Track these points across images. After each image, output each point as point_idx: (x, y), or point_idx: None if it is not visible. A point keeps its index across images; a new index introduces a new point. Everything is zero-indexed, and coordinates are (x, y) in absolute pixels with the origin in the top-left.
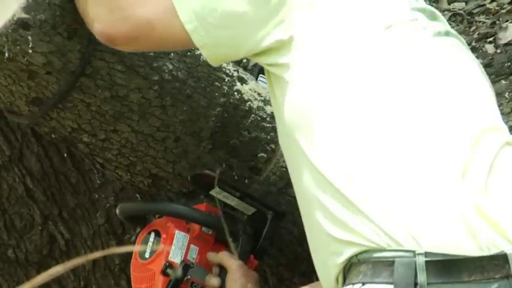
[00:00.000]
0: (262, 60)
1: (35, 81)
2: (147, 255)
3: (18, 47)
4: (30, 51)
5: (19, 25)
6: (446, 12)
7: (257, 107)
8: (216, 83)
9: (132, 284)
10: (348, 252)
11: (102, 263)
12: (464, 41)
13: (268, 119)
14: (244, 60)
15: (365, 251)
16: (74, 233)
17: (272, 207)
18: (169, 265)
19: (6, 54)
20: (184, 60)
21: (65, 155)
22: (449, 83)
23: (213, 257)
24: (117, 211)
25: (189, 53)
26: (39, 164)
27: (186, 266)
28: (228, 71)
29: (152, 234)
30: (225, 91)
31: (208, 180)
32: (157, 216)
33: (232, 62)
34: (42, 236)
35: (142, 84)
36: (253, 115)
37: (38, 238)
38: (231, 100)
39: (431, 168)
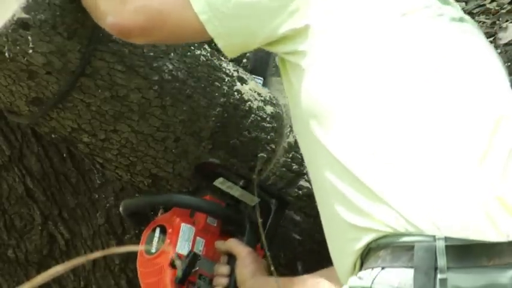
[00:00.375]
0: (278, 49)
1: (35, 81)
2: (153, 250)
3: (18, 47)
4: (30, 51)
5: (19, 25)
6: None
7: (257, 107)
8: (216, 83)
9: (141, 280)
10: (366, 239)
11: (102, 263)
12: (478, 27)
13: (268, 119)
14: (244, 60)
15: (384, 237)
16: (74, 233)
17: (276, 194)
18: (177, 257)
19: (6, 54)
20: (184, 60)
21: (65, 155)
22: (467, 69)
23: (221, 245)
24: (120, 208)
25: (189, 53)
26: (39, 164)
27: (194, 256)
28: (228, 71)
29: (157, 230)
30: (225, 91)
31: (212, 170)
32: (160, 212)
33: (232, 62)
34: (42, 236)
35: (142, 84)
36: (253, 115)
37: (38, 238)
38: (231, 100)
39: (450, 154)
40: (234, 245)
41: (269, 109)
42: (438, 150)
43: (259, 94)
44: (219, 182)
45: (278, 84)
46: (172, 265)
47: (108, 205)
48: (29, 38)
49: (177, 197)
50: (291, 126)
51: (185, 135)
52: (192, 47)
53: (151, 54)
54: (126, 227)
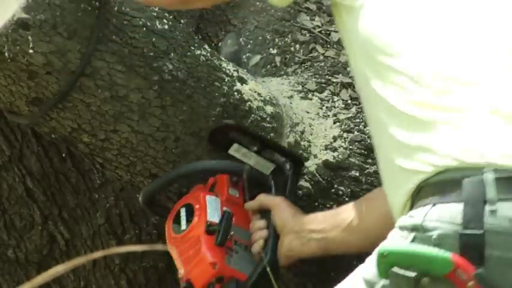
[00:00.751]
0: None
1: (35, 81)
2: (184, 227)
3: (18, 47)
4: (30, 51)
5: (19, 25)
6: None
7: (257, 107)
8: (216, 83)
9: (179, 259)
10: (416, 179)
11: (102, 263)
12: None
13: (268, 119)
14: (244, 60)
15: (433, 176)
16: (74, 233)
17: (291, 153)
18: (210, 224)
19: (6, 54)
20: (184, 60)
21: (65, 155)
22: None
23: (252, 203)
24: (140, 198)
25: (189, 53)
26: (39, 164)
27: (229, 214)
28: (228, 71)
29: (182, 210)
30: (225, 91)
31: (226, 133)
32: (177, 201)
33: (232, 62)
34: (42, 236)
35: (142, 84)
36: (253, 115)
37: (38, 238)
38: (231, 100)
39: (501, 94)
40: (265, 198)
41: (269, 109)
42: (488, 88)
43: (259, 94)
44: (234, 150)
45: (278, 84)
46: (208, 231)
47: (108, 205)
48: (29, 38)
49: (199, 164)
50: (291, 126)
51: (185, 135)
52: (192, 47)
53: (151, 54)
54: (126, 227)
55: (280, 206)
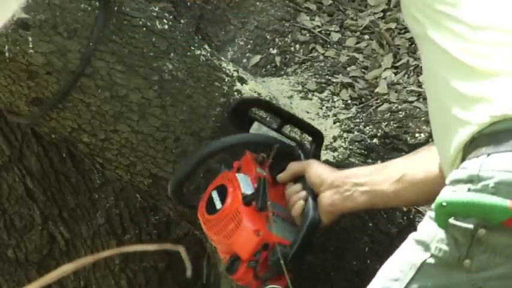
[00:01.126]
0: None
1: (35, 81)
2: (219, 206)
3: (18, 47)
4: (30, 51)
5: (19, 25)
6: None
7: None
8: (216, 83)
9: (218, 238)
10: (471, 130)
11: (102, 263)
12: None
13: (267, 118)
14: (244, 60)
15: (489, 125)
16: (74, 233)
17: (311, 128)
18: (246, 195)
19: (6, 54)
20: (184, 60)
21: (65, 155)
22: None
23: (284, 174)
24: (169, 190)
25: (189, 53)
26: (39, 164)
27: (264, 180)
28: (228, 71)
29: (214, 192)
30: (225, 91)
31: (246, 114)
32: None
33: (232, 61)
34: (42, 236)
35: (142, 84)
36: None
37: (38, 238)
38: (231, 100)
39: None
40: (296, 164)
41: None
42: None
43: (259, 94)
44: (255, 129)
45: (278, 84)
46: (246, 202)
47: (108, 205)
48: (29, 38)
49: (227, 140)
50: (291, 126)
51: (185, 135)
52: (192, 47)
53: (151, 54)
54: (126, 227)
55: (313, 164)
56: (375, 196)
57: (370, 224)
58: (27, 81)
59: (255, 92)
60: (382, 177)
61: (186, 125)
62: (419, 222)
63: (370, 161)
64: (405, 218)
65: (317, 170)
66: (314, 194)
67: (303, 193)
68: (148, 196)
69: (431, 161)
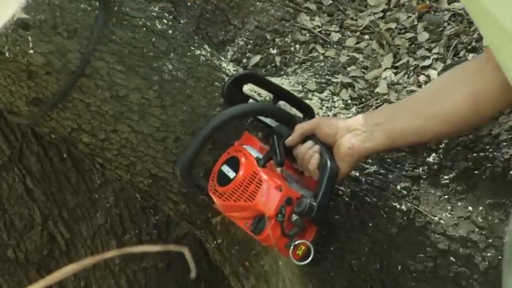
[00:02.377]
0: None
1: (35, 81)
2: (232, 175)
3: (18, 47)
4: (30, 51)
5: (19, 25)
6: (446, 12)
7: None
8: (216, 83)
9: (240, 204)
10: None
11: (102, 263)
12: None
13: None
14: (244, 60)
15: None
16: (74, 233)
17: (303, 103)
18: (260, 158)
19: (6, 55)
20: (184, 60)
21: (65, 155)
22: None
23: (292, 136)
24: (178, 173)
25: (188, 53)
26: (39, 164)
27: (277, 135)
28: (228, 71)
29: (224, 166)
30: None
31: (240, 91)
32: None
33: (232, 61)
34: (42, 236)
35: (142, 84)
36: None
37: (38, 238)
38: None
39: None
40: (304, 124)
41: None
42: None
43: (259, 94)
44: None
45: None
46: (261, 163)
47: (108, 205)
48: (29, 38)
49: (230, 111)
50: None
51: (185, 135)
52: (192, 47)
53: (151, 54)
54: (126, 227)
55: (323, 119)
56: (396, 133)
57: (370, 224)
58: (27, 82)
59: (255, 92)
60: (403, 112)
61: (186, 125)
62: (419, 222)
63: (370, 160)
64: (405, 218)
65: (329, 121)
66: (327, 147)
67: (317, 147)
68: (148, 196)
69: (464, 86)
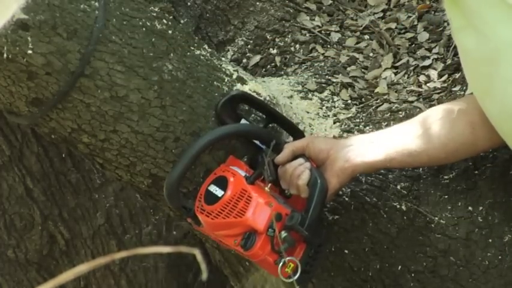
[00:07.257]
0: None
1: (35, 82)
2: (221, 194)
3: (17, 48)
4: (29, 52)
5: (18, 26)
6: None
7: None
8: (216, 83)
9: (230, 220)
10: None
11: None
12: None
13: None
14: (244, 60)
15: None
16: (74, 233)
17: (295, 128)
18: (248, 176)
19: (6, 55)
20: (184, 60)
21: (65, 155)
22: None
23: (283, 153)
24: (165, 193)
25: (188, 53)
26: (39, 164)
27: (266, 149)
28: (227, 71)
29: (211, 186)
30: (225, 91)
31: (234, 110)
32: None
33: (232, 61)
34: (42, 236)
35: (142, 84)
36: (253, 115)
37: (38, 238)
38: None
39: None
40: (296, 142)
41: None
42: None
43: (259, 94)
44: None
45: (278, 84)
46: (250, 181)
47: (108, 205)
48: (29, 38)
49: (216, 132)
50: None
51: (185, 135)
52: (192, 47)
53: (151, 54)
54: (126, 227)
55: (314, 137)
56: (393, 152)
57: (370, 224)
58: (27, 82)
59: (255, 91)
60: (402, 132)
61: (186, 125)
62: (419, 222)
63: None
64: (405, 218)
65: (323, 137)
66: (316, 167)
67: (307, 164)
68: (148, 196)
69: (468, 113)
